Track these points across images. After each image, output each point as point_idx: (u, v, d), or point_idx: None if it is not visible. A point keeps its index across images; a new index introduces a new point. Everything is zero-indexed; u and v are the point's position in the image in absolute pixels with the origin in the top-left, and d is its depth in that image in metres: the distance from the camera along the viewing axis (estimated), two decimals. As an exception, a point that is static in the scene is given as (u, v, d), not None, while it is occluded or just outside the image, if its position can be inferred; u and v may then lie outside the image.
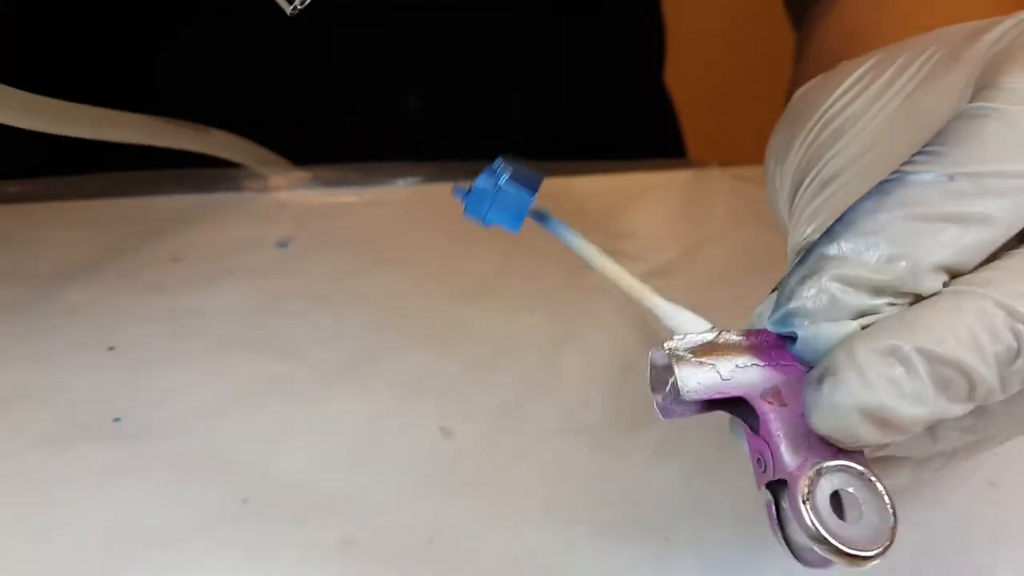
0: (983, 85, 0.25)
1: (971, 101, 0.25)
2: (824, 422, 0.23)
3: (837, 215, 0.26)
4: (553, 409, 0.38)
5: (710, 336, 0.26)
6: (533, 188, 0.28)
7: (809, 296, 0.24)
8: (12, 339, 0.41)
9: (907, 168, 0.25)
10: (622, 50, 0.60)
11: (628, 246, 0.46)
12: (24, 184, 0.49)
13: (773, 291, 0.27)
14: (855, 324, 0.24)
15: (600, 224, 0.48)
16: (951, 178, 0.24)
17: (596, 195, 0.50)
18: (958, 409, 0.23)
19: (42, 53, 0.52)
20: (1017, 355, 0.23)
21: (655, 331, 0.42)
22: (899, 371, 0.23)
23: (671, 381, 0.25)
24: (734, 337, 0.26)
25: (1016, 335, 0.23)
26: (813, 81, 0.32)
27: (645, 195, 0.50)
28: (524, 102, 0.57)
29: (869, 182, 0.26)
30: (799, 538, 0.23)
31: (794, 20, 0.55)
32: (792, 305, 0.24)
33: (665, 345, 0.26)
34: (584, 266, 0.45)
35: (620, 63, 0.60)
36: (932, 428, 0.25)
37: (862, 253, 0.24)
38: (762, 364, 0.25)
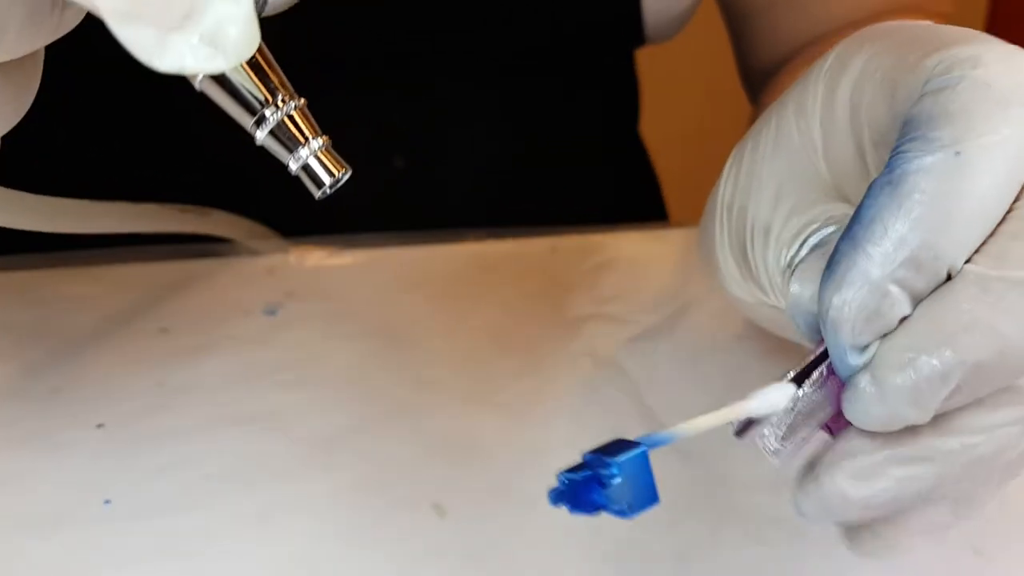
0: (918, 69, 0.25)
1: (914, 84, 0.25)
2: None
3: (798, 238, 0.27)
4: (545, 482, 0.38)
5: (792, 410, 0.26)
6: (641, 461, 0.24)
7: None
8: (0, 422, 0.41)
9: (907, 154, 0.24)
10: (598, 108, 0.60)
11: (614, 309, 0.47)
12: (4, 260, 0.49)
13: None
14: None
15: (586, 285, 0.49)
16: (957, 153, 0.23)
17: (581, 255, 0.50)
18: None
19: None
20: None
21: (642, 397, 0.42)
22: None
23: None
24: (812, 395, 0.26)
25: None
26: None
27: (631, 255, 0.50)
28: (506, 161, 0.57)
29: (813, 198, 0.27)
30: None
31: (750, 95, 0.56)
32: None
33: (761, 448, 0.26)
34: (572, 330, 0.46)
35: (596, 121, 0.60)
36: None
37: (894, 253, 0.24)
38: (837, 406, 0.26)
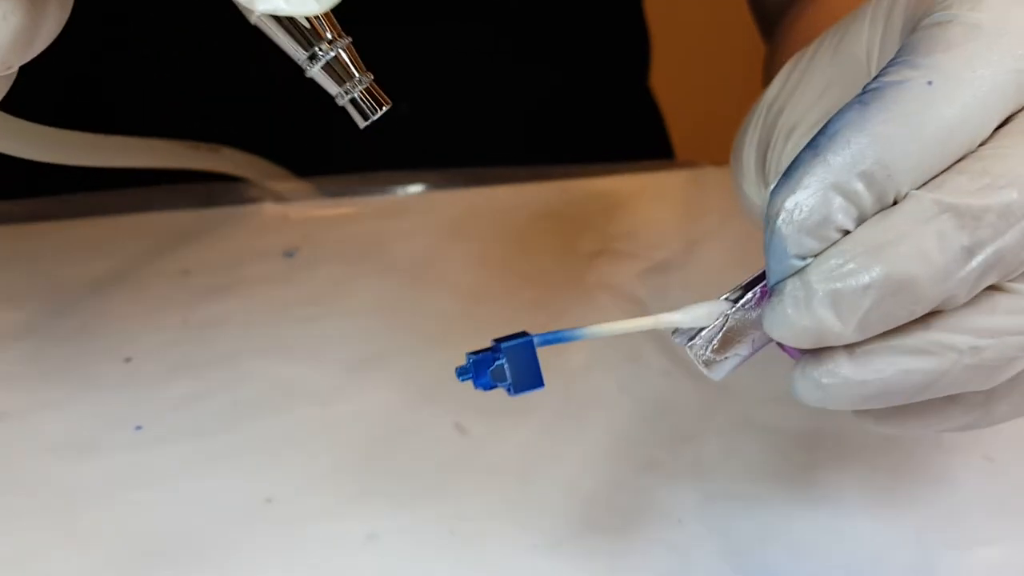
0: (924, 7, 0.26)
1: (924, 18, 0.26)
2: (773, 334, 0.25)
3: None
4: (562, 400, 0.39)
5: (723, 326, 0.27)
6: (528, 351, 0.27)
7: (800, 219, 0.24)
8: (26, 356, 0.42)
9: (884, 79, 0.25)
10: (607, 55, 0.61)
11: (627, 245, 0.48)
12: (28, 204, 0.50)
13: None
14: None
15: (598, 225, 0.49)
16: (929, 83, 0.24)
17: (593, 198, 0.51)
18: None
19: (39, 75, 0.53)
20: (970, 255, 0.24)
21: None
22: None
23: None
24: (747, 315, 0.27)
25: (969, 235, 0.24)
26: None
27: (641, 196, 0.51)
28: (513, 107, 0.58)
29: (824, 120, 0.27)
30: None
31: (764, 31, 0.56)
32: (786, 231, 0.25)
33: (688, 353, 0.27)
34: (584, 265, 0.47)
35: (606, 68, 0.61)
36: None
37: (851, 165, 0.24)
38: None
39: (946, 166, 0.24)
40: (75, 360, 0.42)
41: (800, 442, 0.37)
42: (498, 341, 0.27)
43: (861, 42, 0.29)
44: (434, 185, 0.51)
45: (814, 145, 0.25)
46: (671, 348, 0.42)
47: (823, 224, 0.24)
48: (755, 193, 0.31)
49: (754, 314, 0.27)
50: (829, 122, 0.25)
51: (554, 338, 0.28)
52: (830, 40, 0.30)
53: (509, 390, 0.27)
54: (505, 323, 0.43)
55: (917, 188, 0.24)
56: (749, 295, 0.27)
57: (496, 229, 0.49)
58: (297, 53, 0.27)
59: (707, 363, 0.27)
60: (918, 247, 0.24)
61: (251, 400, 0.39)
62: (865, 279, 0.24)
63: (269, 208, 0.51)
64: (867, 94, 0.25)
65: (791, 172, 0.25)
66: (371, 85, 0.28)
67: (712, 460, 0.36)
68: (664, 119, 0.65)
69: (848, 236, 0.24)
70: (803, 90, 0.30)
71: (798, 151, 0.28)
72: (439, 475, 0.36)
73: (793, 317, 0.25)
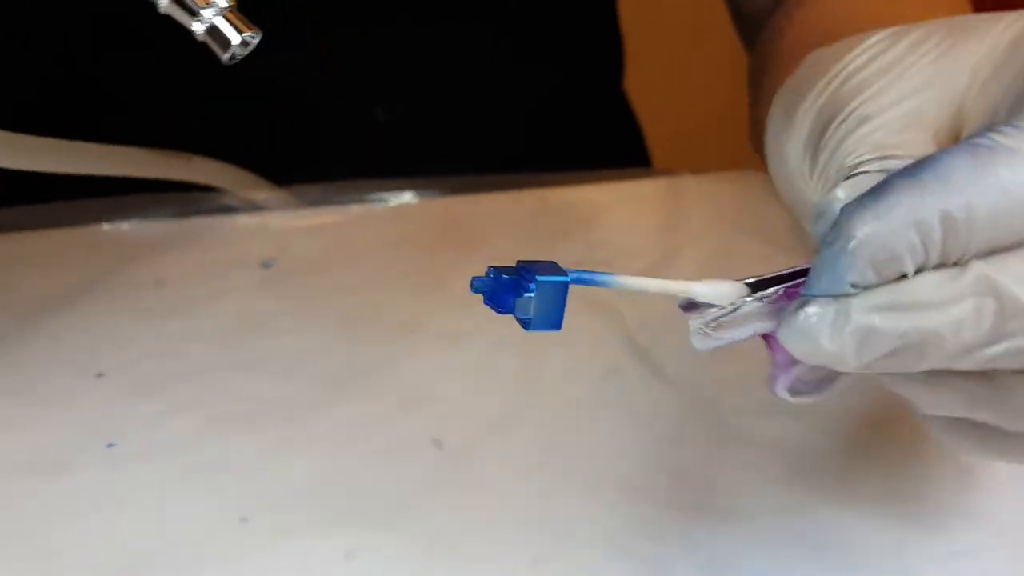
0: None
1: None
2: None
3: (880, 151, 0.26)
4: (539, 414, 0.39)
5: (734, 310, 0.26)
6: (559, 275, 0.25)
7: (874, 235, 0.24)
8: (-3, 371, 0.41)
9: (996, 137, 0.24)
10: (581, 60, 0.61)
11: (605, 255, 0.48)
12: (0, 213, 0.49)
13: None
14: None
15: (577, 234, 0.49)
16: None
17: (572, 206, 0.51)
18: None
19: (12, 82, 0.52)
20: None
21: (635, 337, 0.43)
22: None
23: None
24: (761, 308, 0.26)
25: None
26: (822, 49, 0.32)
27: (620, 204, 0.51)
28: (487, 112, 0.58)
29: (917, 128, 0.27)
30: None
31: (745, 38, 0.56)
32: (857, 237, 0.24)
33: (687, 320, 0.27)
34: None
35: (580, 73, 0.61)
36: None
37: (942, 211, 0.23)
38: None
39: (1019, 242, 0.24)
40: (46, 375, 0.41)
41: (780, 455, 0.37)
42: (525, 265, 0.25)
43: (973, 57, 0.28)
44: (413, 194, 0.51)
45: (916, 176, 0.24)
46: (649, 358, 0.42)
47: (891, 263, 0.24)
48: (797, 155, 0.30)
49: (767, 309, 0.27)
50: (937, 157, 0.24)
51: (587, 279, 0.26)
52: (938, 38, 0.29)
53: (526, 324, 0.25)
54: (483, 334, 0.43)
55: (981, 257, 0.24)
56: (771, 291, 0.27)
57: (475, 239, 0.48)
58: None
59: (699, 334, 0.27)
60: (957, 319, 0.24)
61: (225, 416, 0.39)
62: (900, 329, 0.24)
63: (247, 218, 0.50)
64: (982, 147, 0.24)
65: (881, 195, 0.24)
66: (232, 11, 0.26)
67: (691, 473, 0.36)
68: (641, 126, 0.64)
69: (904, 282, 0.24)
70: (893, 80, 0.29)
71: (876, 155, 0.27)
72: (416, 491, 0.36)
73: (821, 338, 0.24)
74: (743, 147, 0.45)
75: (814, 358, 0.25)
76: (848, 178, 0.27)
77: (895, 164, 0.27)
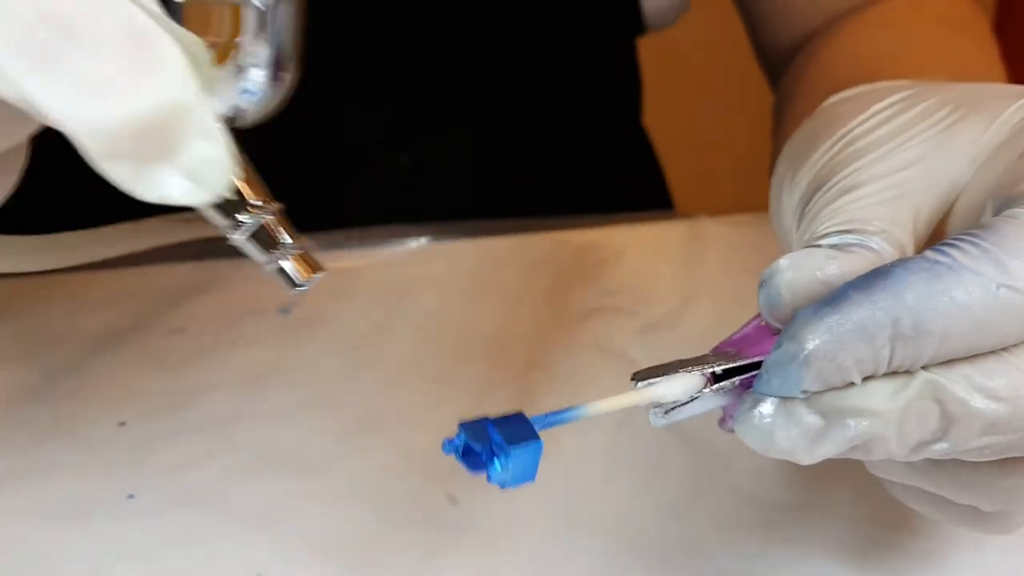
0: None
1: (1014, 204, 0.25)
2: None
3: (849, 224, 0.27)
4: (552, 470, 0.39)
5: (690, 399, 0.27)
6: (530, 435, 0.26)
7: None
8: (17, 420, 0.42)
9: (956, 254, 0.24)
10: (600, 98, 0.61)
11: (620, 300, 0.48)
12: None
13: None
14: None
15: (593, 278, 0.49)
16: (997, 287, 0.24)
17: (589, 249, 0.51)
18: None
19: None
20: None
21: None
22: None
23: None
24: (717, 397, 0.27)
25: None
26: (838, 97, 0.33)
27: (637, 248, 0.51)
28: (509, 155, 0.58)
29: (899, 203, 0.27)
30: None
31: (771, 78, 0.56)
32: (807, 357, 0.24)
33: (648, 409, 0.28)
34: (579, 322, 0.46)
35: (599, 111, 0.61)
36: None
37: (893, 333, 0.24)
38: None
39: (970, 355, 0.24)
40: (68, 423, 0.42)
41: (791, 514, 0.37)
42: (496, 428, 0.26)
43: (971, 144, 0.28)
44: (431, 238, 0.51)
45: (868, 289, 0.24)
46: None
47: (838, 373, 0.24)
48: (791, 213, 0.31)
49: (719, 397, 0.27)
50: (893, 271, 0.24)
51: (556, 420, 0.26)
52: (943, 112, 0.29)
53: (501, 484, 0.26)
54: (498, 384, 0.43)
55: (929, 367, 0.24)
56: (728, 383, 0.27)
57: (489, 286, 0.49)
58: (219, 220, 0.27)
59: (656, 415, 0.28)
60: (900, 424, 0.24)
61: (241, 467, 0.39)
62: (847, 435, 0.24)
63: (264, 262, 0.51)
64: (940, 265, 0.24)
65: (835, 306, 0.24)
66: (301, 254, 0.28)
67: (702, 531, 0.36)
68: (662, 168, 0.64)
69: (851, 389, 0.24)
70: (887, 153, 0.29)
71: (842, 228, 0.27)
72: (430, 547, 0.36)
73: (775, 436, 0.25)
74: (762, 188, 0.45)
75: (770, 453, 0.25)
76: (807, 247, 0.27)
77: (853, 239, 0.27)
